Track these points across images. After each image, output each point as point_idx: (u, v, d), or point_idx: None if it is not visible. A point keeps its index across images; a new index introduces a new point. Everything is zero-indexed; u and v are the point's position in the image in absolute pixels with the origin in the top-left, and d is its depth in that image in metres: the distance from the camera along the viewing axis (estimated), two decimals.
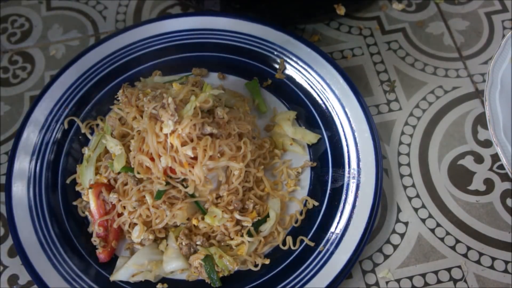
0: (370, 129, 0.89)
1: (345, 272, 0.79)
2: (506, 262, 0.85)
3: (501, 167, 0.93)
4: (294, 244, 0.84)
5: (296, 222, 0.87)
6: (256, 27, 0.99)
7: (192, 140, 0.78)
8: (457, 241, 0.87)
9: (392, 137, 0.96)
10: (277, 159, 0.92)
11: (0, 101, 1.03)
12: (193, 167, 0.79)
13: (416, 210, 0.90)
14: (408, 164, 0.94)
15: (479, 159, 0.94)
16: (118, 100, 0.94)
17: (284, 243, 0.85)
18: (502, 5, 1.10)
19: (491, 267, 0.85)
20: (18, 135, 0.91)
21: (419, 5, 1.11)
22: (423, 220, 0.89)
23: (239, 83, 0.99)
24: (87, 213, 0.88)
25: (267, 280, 0.81)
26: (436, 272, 0.85)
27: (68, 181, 0.90)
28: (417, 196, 0.91)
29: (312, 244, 0.83)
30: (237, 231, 0.84)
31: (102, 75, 0.98)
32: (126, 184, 0.85)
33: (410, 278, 0.84)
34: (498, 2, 1.11)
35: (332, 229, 0.84)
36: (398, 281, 0.84)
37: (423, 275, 0.85)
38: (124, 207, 0.84)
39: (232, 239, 0.84)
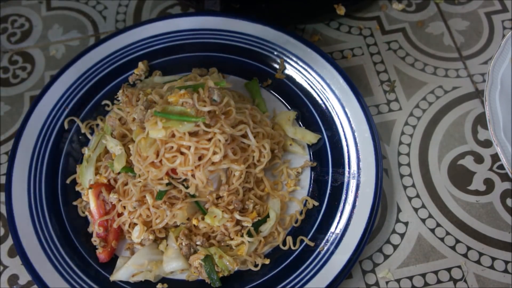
0: (370, 129, 0.89)
1: (345, 272, 0.79)
2: (506, 262, 0.85)
3: (501, 167, 0.93)
4: (294, 244, 0.84)
5: (296, 222, 0.87)
6: (256, 27, 0.99)
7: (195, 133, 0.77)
8: (457, 241, 0.87)
9: (392, 137, 0.96)
10: (277, 159, 0.92)
11: (0, 101, 1.03)
12: (195, 168, 0.78)
13: (416, 210, 0.90)
14: (408, 164, 0.94)
15: (479, 159, 0.94)
16: (118, 100, 0.94)
17: (284, 243, 0.85)
18: (502, 5, 1.10)
19: (491, 267, 0.85)
20: (18, 135, 0.91)
21: (419, 5, 1.11)
22: (423, 220, 0.89)
23: (239, 83, 0.99)
24: (87, 213, 0.88)
25: (267, 280, 0.81)
26: (436, 272, 0.85)
27: (68, 181, 0.90)
28: (417, 196, 0.91)
29: (312, 244, 0.83)
30: (237, 231, 0.84)
31: (102, 75, 0.98)
32: (126, 184, 0.85)
33: (410, 278, 0.84)
34: (498, 2, 1.11)
35: (332, 229, 0.84)
36: (398, 281, 0.84)
37: (423, 275, 0.85)
38: (124, 207, 0.84)
39: (232, 239, 0.84)
